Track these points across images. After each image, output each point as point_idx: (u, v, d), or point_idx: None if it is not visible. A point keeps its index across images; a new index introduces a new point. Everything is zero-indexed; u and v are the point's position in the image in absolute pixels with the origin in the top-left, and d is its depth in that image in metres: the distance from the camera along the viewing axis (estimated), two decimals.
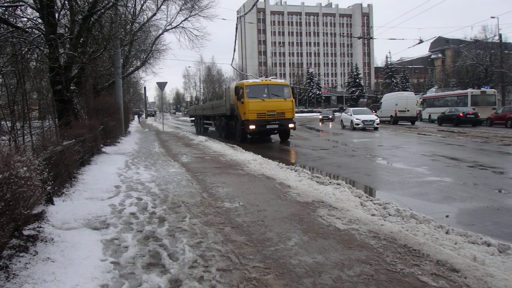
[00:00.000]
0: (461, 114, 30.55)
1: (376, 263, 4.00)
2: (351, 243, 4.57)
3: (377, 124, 28.29)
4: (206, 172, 9.63)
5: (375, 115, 31.13)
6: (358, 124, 27.91)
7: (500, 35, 45.29)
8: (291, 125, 19.65)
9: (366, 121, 28.07)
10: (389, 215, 5.81)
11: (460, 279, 3.63)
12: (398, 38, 69.87)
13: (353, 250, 4.36)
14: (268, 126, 19.19)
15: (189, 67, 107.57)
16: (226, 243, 4.62)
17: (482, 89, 36.94)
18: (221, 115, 22.62)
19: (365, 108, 36.18)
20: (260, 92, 19.45)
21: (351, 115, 29.44)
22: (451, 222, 5.85)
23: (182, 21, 25.40)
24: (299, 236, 4.85)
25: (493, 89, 36.81)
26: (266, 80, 20.93)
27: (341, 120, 32.00)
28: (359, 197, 6.89)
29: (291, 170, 9.77)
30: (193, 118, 34.25)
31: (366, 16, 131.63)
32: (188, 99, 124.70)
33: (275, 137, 21.86)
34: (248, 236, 4.85)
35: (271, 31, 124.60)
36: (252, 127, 18.74)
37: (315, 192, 7.25)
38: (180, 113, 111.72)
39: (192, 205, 6.44)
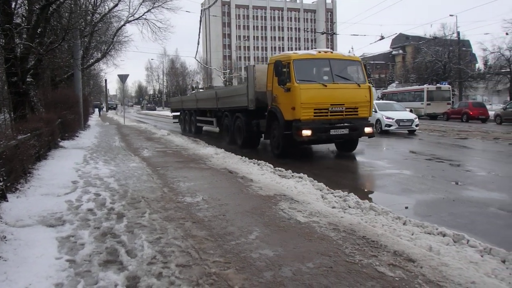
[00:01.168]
0: None
1: (335, 255, 4.05)
2: (311, 236, 4.60)
3: (417, 125, 20.30)
4: (167, 167, 9.50)
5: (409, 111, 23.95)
6: (389, 126, 19.97)
7: (458, 33, 46.71)
8: (368, 130, 11.85)
9: (402, 120, 19.97)
10: (349, 207, 5.89)
11: (416, 268, 3.72)
12: (361, 34, 71.38)
13: (313, 243, 4.39)
14: (332, 132, 11.29)
15: (152, 59, 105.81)
16: (186, 238, 4.56)
17: (438, 85, 38.16)
18: (236, 109, 14.65)
19: (393, 102, 24.68)
20: (319, 72, 12.01)
21: (375, 111, 19.90)
22: (408, 214, 6.01)
23: (145, 12, 24.82)
24: (260, 229, 4.84)
25: (447, 85, 38.02)
26: (325, 52, 12.27)
27: None
28: (320, 190, 6.96)
29: (254, 163, 9.77)
30: (178, 114, 25.27)
31: (330, 12, 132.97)
32: (151, 92, 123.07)
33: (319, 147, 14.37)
34: (209, 231, 4.81)
35: (236, 25, 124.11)
36: (307, 132, 10.90)
37: (277, 186, 7.27)
38: (138, 107, 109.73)
39: (152, 200, 6.33)
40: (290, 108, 11.19)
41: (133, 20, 24.96)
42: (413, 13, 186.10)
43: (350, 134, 11.59)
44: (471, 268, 3.77)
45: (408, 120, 20.13)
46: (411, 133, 20.12)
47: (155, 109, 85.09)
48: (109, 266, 3.86)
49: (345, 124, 11.42)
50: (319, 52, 12.03)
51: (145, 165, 9.82)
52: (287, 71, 11.37)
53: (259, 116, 13.15)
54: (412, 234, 4.75)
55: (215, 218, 5.34)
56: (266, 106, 12.52)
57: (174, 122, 26.77)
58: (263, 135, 13.64)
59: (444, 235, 4.74)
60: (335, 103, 11.33)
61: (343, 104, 11.42)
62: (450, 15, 64.12)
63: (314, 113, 11.13)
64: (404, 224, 5.18)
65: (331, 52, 12.36)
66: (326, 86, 11.19)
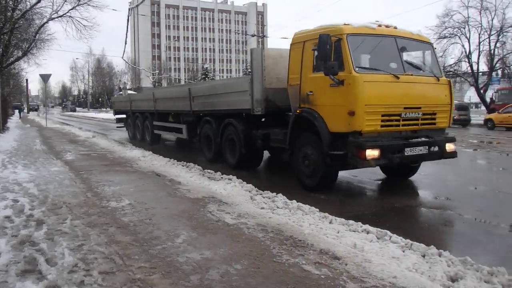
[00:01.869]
0: None
1: (262, 256, 4.06)
2: (239, 237, 4.59)
3: None
4: (92, 170, 9.11)
5: None
6: None
7: None
8: (450, 147, 7.77)
9: None
10: (277, 207, 5.94)
11: (341, 266, 3.82)
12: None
13: (241, 244, 4.38)
14: (407, 152, 7.12)
15: (77, 58, 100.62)
16: (110, 244, 4.38)
17: None
18: (227, 113, 10.33)
19: None
20: (386, 56, 7.63)
21: None
22: (335, 213, 6.15)
23: (70, 9, 23.74)
24: (187, 233, 4.76)
25: None
26: (386, 27, 7.75)
27: None
28: (249, 191, 6.96)
29: (183, 166, 9.60)
30: (124, 116, 19.94)
31: (261, 15, 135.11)
32: (76, 92, 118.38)
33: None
34: (134, 236, 4.66)
35: (166, 25, 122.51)
36: (373, 153, 6.72)
37: (206, 188, 7.20)
38: (60, 108, 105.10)
39: (75, 205, 6.03)
40: (343, 112, 6.92)
41: (57, 17, 23.92)
42: (342, 18, 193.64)
43: (429, 154, 7.49)
44: (393, 263, 3.92)
45: None
46: None
47: (75, 110, 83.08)
48: (27, 276, 3.66)
49: (423, 140, 7.40)
50: (380, 25, 7.67)
51: (68, 169, 9.35)
52: (338, 52, 7.07)
53: (266, 124, 9.54)
54: (338, 232, 4.86)
55: (141, 222, 5.19)
56: (280, 110, 8.97)
57: (118, 127, 21.30)
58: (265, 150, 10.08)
59: (368, 233, 4.89)
60: (410, 105, 7.29)
61: (420, 108, 7.42)
62: (376, 21, 66.88)
63: (382, 120, 7.02)
64: (330, 222, 5.30)
65: (396, 28, 7.83)
66: (398, 78, 7.09)
